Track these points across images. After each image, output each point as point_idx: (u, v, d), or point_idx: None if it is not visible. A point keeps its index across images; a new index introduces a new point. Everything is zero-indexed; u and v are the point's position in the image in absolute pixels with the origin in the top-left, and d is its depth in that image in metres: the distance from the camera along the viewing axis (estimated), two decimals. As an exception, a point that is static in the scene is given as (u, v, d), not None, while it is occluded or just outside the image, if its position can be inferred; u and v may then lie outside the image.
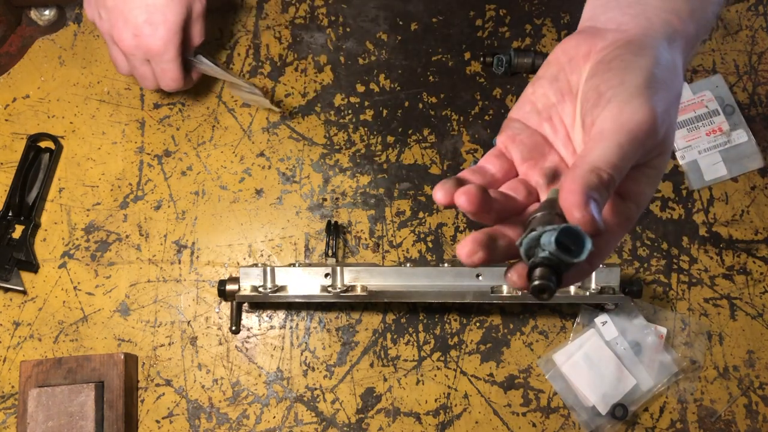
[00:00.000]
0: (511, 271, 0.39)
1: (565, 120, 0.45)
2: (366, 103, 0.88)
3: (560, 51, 0.46)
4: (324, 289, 0.77)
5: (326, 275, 0.77)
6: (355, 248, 0.84)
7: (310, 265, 0.79)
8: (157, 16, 0.72)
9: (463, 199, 0.38)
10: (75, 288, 0.82)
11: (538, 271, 0.36)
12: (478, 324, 0.83)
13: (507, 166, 0.46)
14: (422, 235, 0.85)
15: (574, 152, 0.45)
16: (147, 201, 0.85)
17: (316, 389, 0.81)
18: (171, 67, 0.76)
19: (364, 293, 0.76)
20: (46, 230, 0.84)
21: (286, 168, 0.86)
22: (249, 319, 0.83)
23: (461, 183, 0.40)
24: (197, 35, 0.79)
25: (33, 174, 0.84)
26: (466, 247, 0.38)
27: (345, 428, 0.80)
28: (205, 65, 0.81)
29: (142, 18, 0.72)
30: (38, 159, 0.84)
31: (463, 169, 0.86)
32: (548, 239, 0.36)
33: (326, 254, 0.80)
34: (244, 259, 0.84)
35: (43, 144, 0.85)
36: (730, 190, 0.87)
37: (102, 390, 0.76)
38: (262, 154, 0.86)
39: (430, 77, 0.89)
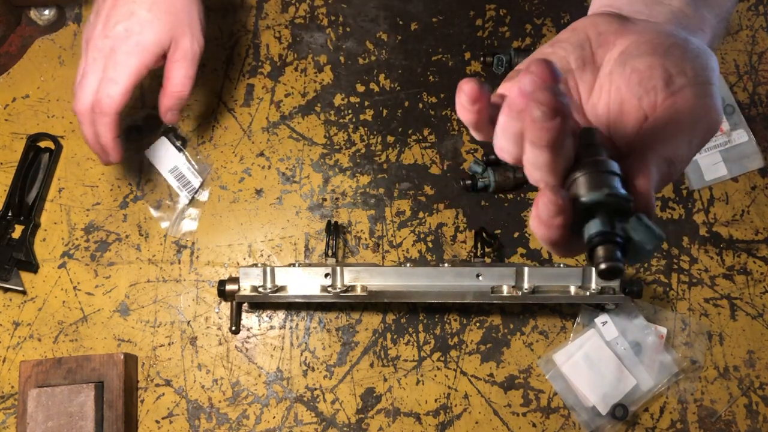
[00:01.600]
0: (538, 207, 0.35)
1: (581, 89, 0.44)
2: (366, 103, 0.88)
3: (589, 22, 0.44)
4: (324, 289, 0.77)
5: (326, 275, 0.77)
6: (355, 248, 0.84)
7: (310, 265, 0.79)
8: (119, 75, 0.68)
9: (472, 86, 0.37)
10: (75, 288, 0.82)
11: (602, 250, 0.32)
12: (478, 324, 0.83)
13: None
14: (422, 235, 0.85)
15: (586, 121, 0.43)
16: (147, 201, 0.85)
17: (316, 389, 0.81)
18: (117, 91, 0.69)
19: (364, 293, 0.76)
20: (45, 230, 0.83)
21: (286, 168, 0.86)
22: (249, 319, 0.83)
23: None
24: (178, 78, 0.71)
25: (33, 174, 0.84)
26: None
27: (345, 428, 0.80)
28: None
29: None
30: (38, 159, 0.84)
31: (464, 169, 0.86)
32: (636, 225, 0.33)
33: (326, 254, 0.80)
34: (244, 259, 0.84)
35: (42, 144, 0.85)
36: (731, 190, 0.87)
37: (102, 390, 0.76)
38: (261, 154, 0.86)
39: (430, 77, 0.89)
